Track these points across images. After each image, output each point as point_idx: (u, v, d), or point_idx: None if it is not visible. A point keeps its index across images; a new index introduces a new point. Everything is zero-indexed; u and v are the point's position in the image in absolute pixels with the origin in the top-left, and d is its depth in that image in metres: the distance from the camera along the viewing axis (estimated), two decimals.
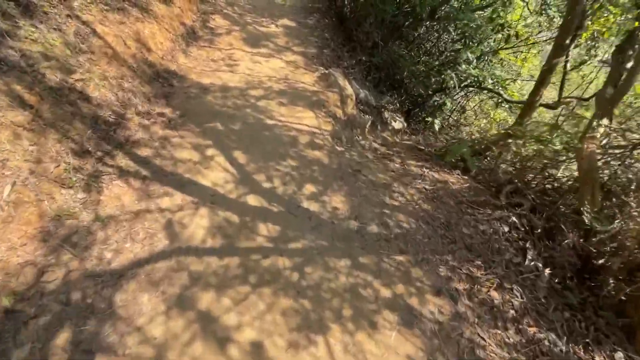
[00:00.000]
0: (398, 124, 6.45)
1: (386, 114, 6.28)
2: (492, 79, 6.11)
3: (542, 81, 3.99)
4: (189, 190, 2.93)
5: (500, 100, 6.57)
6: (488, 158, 4.22)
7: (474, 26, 5.74)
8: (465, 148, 3.59)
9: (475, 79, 6.08)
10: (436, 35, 7.05)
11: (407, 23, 6.69)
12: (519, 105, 6.72)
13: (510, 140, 3.49)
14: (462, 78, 6.16)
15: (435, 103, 6.51)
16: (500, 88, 6.24)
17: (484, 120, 8.00)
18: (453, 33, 6.91)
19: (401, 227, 2.86)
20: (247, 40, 6.02)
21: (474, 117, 8.48)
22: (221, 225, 2.66)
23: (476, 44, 5.94)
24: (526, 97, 9.47)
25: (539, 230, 2.71)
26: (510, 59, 7.03)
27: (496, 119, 8.08)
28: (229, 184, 3.08)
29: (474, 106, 8.22)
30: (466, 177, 3.49)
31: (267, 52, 5.91)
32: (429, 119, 6.56)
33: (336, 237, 2.72)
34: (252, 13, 7.18)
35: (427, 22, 6.82)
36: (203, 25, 5.99)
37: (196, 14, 6.06)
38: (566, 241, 2.55)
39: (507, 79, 6.94)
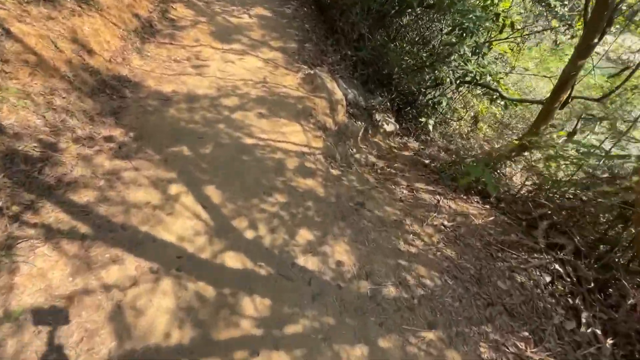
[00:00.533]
0: (390, 126, 5.85)
1: (377, 116, 5.65)
2: (490, 75, 5.59)
3: (563, 85, 3.49)
4: (146, 252, 2.20)
5: (496, 97, 6.09)
6: (505, 178, 3.71)
7: (474, 17, 5.14)
8: (484, 169, 3.05)
9: (472, 75, 5.54)
10: (428, 26, 6.42)
11: (394, 12, 6.01)
12: (519, 103, 6.27)
13: (533, 161, 3.00)
14: (458, 74, 5.60)
15: (429, 102, 5.96)
16: (496, 84, 5.74)
17: (482, 124, 7.55)
18: (445, 23, 6.31)
19: (424, 286, 2.29)
20: (217, 34, 5.14)
21: (463, 111, 8.02)
22: (191, 306, 1.97)
23: (471, 36, 5.37)
24: (522, 93, 9.12)
25: (591, 285, 2.23)
26: (506, 52, 6.54)
27: (482, 111, 7.64)
28: (200, 237, 2.36)
29: (460, 98, 7.74)
30: (488, 207, 2.96)
31: (241, 48, 5.07)
32: (423, 119, 6.00)
33: (345, 309, 2.11)
34: (220, 1, 6.23)
35: (418, 11, 6.17)
36: (162, 16, 5.04)
37: (153, 3, 5.08)
38: (629, 302, 2.09)
39: (499, 73, 6.47)
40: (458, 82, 5.79)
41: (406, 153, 4.42)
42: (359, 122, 4.82)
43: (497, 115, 8.29)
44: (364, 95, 6.09)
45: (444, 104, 5.80)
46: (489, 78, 5.56)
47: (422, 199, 3.04)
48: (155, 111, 3.43)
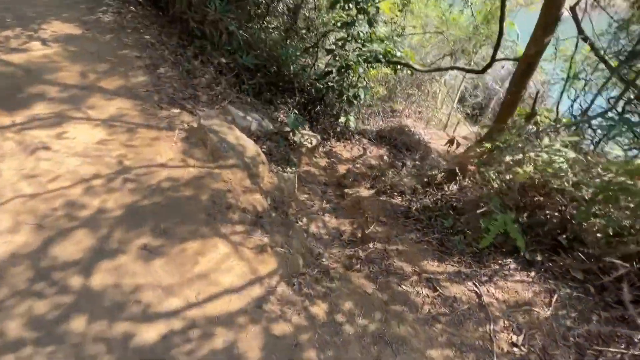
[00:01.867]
0: (312, 140, 4.62)
1: (296, 137, 4.32)
2: (399, 51, 4.75)
3: (528, 69, 2.81)
4: None
5: (410, 71, 5.38)
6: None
7: None
8: (506, 220, 2.22)
9: (381, 54, 4.60)
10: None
11: None
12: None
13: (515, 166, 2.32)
14: (365, 56, 4.58)
15: (344, 96, 4.88)
16: (407, 58, 4.98)
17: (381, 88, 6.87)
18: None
19: None
20: None
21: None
22: None
23: (367, 14, 4.33)
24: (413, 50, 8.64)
25: None
26: (395, 15, 5.75)
27: (374, 74, 7.00)
28: None
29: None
30: (533, 273, 2.16)
31: (52, 112, 2.92)
32: (342, 118, 4.94)
33: None
34: None
35: None
36: None
37: None
38: None
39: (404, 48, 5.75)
40: (367, 65, 4.79)
41: (365, 194, 3.34)
42: (289, 171, 3.44)
43: (388, 75, 7.76)
44: (267, 113, 4.61)
45: (363, 95, 4.80)
46: (399, 53, 4.72)
47: (453, 298, 2.08)
48: None
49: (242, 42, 4.55)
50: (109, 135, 2.84)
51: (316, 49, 5.64)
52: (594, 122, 3.64)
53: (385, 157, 5.76)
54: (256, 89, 4.73)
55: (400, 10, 5.62)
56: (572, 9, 5.13)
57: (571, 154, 2.68)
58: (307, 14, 5.71)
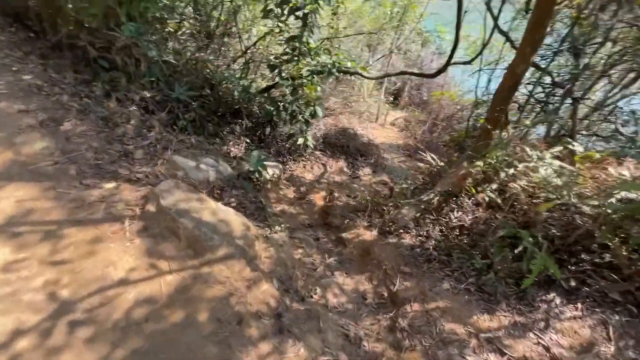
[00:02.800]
0: (274, 171, 4.03)
1: (262, 176, 3.69)
2: (349, 61, 4.41)
3: (514, 86, 2.69)
4: None
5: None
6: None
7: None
8: (545, 258, 2.10)
9: (331, 65, 4.20)
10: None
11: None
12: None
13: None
14: (315, 70, 4.12)
15: (300, 116, 4.32)
16: (355, 68, 4.67)
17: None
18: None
19: None
20: None
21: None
22: None
23: (312, 25, 3.84)
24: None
25: None
26: (330, 20, 5.35)
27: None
28: None
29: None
30: (578, 305, 2.10)
31: None
32: (300, 140, 4.42)
33: None
34: None
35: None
36: None
37: None
38: None
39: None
40: (316, 77, 4.34)
41: (367, 236, 2.94)
42: (272, 225, 2.84)
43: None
44: (216, 151, 3.84)
45: (321, 112, 4.35)
46: (349, 64, 4.37)
47: (524, 358, 1.88)
48: None
49: (166, 69, 3.63)
50: (17, 252, 1.87)
51: (248, 64, 4.93)
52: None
53: (345, 169, 5.49)
54: (196, 123, 3.89)
55: (335, 14, 5.25)
56: (487, 5, 5.48)
57: (557, 164, 2.74)
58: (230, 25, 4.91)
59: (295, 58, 4.05)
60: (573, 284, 2.24)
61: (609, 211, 2.19)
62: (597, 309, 2.08)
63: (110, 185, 2.44)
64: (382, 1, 8.50)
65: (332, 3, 3.61)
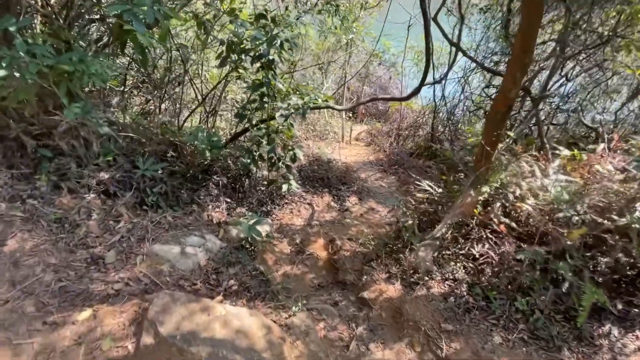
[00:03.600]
0: (263, 229, 3.64)
1: (258, 243, 3.30)
2: (318, 96, 4.21)
3: (508, 111, 2.61)
4: None
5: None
6: None
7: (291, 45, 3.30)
8: (595, 290, 1.97)
9: (303, 105, 3.96)
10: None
11: None
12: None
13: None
14: (290, 112, 3.85)
15: (280, 163, 3.99)
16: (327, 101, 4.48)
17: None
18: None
19: None
20: None
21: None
22: None
23: (274, 67, 3.59)
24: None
25: None
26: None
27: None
28: None
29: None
30: (637, 332, 1.97)
31: None
32: (285, 187, 4.08)
33: None
34: None
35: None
36: None
37: None
38: None
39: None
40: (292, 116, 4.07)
41: (391, 292, 2.60)
42: (284, 305, 2.47)
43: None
44: (197, 223, 3.38)
45: (301, 156, 4.08)
46: (320, 100, 4.17)
47: None
48: None
49: (122, 142, 3.15)
50: None
51: (208, 115, 4.55)
52: None
53: (332, 203, 5.23)
54: (167, 195, 3.41)
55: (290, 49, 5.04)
56: (434, 19, 5.63)
57: (563, 178, 2.70)
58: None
59: (265, 104, 3.76)
60: (619, 306, 2.14)
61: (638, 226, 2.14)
62: None
63: (85, 314, 1.94)
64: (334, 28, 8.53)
65: (296, 46, 3.38)
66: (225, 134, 4.97)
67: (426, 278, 2.66)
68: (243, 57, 3.66)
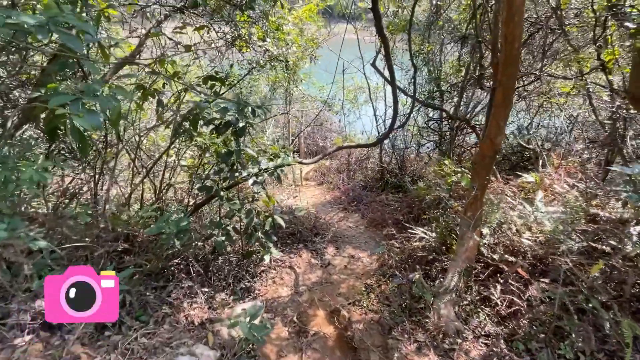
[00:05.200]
0: (257, 319, 3.11)
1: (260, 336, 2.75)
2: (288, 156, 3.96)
3: (494, 155, 2.66)
4: None
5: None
6: None
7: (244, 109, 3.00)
8: (632, 322, 1.96)
9: (275, 168, 3.67)
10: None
11: None
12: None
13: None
14: (261, 181, 3.52)
15: (259, 234, 3.50)
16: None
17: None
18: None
19: None
20: None
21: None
22: None
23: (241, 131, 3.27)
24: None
25: None
26: None
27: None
28: None
29: None
30: None
31: None
32: (266, 257, 3.60)
33: None
34: None
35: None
36: None
37: None
38: None
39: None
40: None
41: None
42: None
43: None
44: (178, 328, 2.72)
45: (283, 223, 3.70)
46: (290, 159, 3.92)
47: None
48: None
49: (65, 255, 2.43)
50: None
51: (160, 195, 3.93)
52: None
53: (312, 260, 4.87)
54: (132, 306, 2.70)
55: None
56: (373, 65, 5.95)
57: (552, 210, 2.86)
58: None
59: (236, 173, 3.36)
60: None
61: None
62: None
63: None
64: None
65: (264, 114, 3.12)
66: (178, 206, 4.33)
67: (459, 340, 2.47)
68: (204, 126, 3.26)
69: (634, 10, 2.22)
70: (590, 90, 3.47)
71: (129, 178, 4.46)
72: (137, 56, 3.80)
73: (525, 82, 4.39)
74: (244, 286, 3.88)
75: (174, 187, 4.10)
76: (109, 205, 3.10)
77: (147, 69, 3.28)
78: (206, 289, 3.37)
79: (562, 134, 4.78)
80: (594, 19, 2.93)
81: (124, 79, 3.21)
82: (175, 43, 3.61)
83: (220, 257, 3.86)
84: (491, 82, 3.41)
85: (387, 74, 3.82)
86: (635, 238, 2.32)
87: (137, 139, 3.54)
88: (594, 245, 2.51)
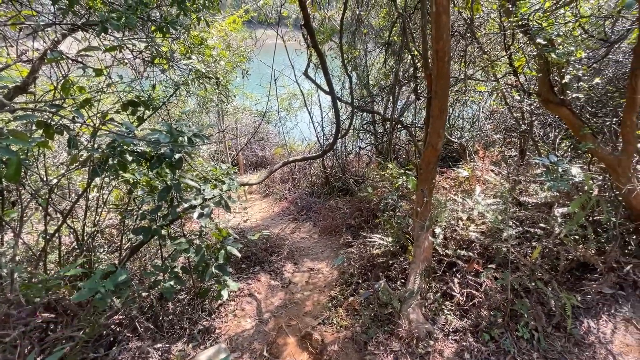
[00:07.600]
0: None
1: None
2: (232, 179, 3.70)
3: (437, 159, 2.78)
4: None
5: None
6: None
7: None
8: None
9: (222, 195, 3.40)
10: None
11: None
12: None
13: None
14: (207, 213, 3.22)
15: (210, 271, 3.15)
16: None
17: None
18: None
19: None
20: None
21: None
22: None
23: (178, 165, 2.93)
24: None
25: None
26: None
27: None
28: None
29: None
30: None
31: None
32: (224, 293, 3.28)
33: None
34: None
35: None
36: None
37: None
38: None
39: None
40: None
41: None
42: None
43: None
44: None
45: (238, 253, 3.42)
46: (236, 184, 3.65)
47: None
48: None
49: None
50: None
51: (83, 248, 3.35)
52: None
53: (272, 282, 4.64)
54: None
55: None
56: (305, 73, 5.94)
57: (491, 201, 3.12)
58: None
59: (177, 208, 3.01)
60: (579, 298, 2.52)
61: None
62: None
63: None
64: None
65: (208, 139, 2.84)
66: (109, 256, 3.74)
67: (431, 342, 2.54)
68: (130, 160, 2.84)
69: (542, 25, 2.54)
70: (505, 90, 3.92)
71: (38, 226, 3.72)
72: (32, 85, 3.18)
73: (452, 83, 4.80)
74: (202, 327, 3.51)
75: (100, 233, 3.52)
76: (17, 271, 2.50)
77: (45, 101, 2.73)
78: (159, 345, 2.95)
79: (478, 122, 5.35)
80: (503, 34, 3.30)
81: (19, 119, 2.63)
82: (83, 67, 3.08)
83: (169, 301, 3.43)
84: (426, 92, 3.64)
85: (323, 84, 3.80)
86: (559, 219, 2.66)
87: (46, 189, 2.95)
88: (527, 229, 2.80)
